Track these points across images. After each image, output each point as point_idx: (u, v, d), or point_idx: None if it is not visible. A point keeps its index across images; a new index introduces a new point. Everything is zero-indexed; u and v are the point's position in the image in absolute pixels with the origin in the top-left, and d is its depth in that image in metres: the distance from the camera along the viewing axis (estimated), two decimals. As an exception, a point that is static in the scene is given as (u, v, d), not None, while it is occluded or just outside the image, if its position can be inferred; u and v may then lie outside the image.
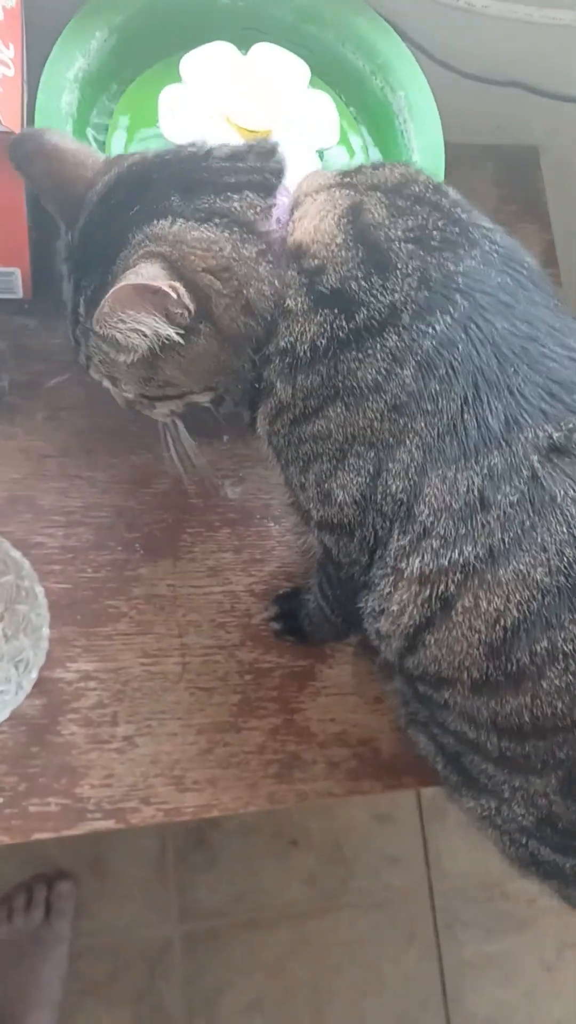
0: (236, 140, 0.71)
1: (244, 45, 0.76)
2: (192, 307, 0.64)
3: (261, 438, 0.73)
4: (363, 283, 0.62)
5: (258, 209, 0.65)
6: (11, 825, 0.80)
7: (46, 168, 0.67)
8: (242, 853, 1.59)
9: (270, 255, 0.65)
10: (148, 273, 0.61)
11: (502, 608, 0.61)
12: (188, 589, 0.89)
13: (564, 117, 1.03)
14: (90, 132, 0.76)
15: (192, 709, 0.86)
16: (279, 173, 0.67)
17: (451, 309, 0.61)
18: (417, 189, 0.67)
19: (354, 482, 0.65)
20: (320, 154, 0.73)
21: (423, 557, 0.63)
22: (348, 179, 0.68)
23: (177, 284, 0.62)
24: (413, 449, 0.62)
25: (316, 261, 0.64)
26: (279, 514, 0.93)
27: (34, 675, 0.79)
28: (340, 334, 0.63)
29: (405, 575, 0.65)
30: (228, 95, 0.70)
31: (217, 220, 0.64)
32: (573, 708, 0.62)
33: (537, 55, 0.95)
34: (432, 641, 0.65)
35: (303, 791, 0.87)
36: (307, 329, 0.64)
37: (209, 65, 0.71)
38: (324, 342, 0.63)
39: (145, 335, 0.64)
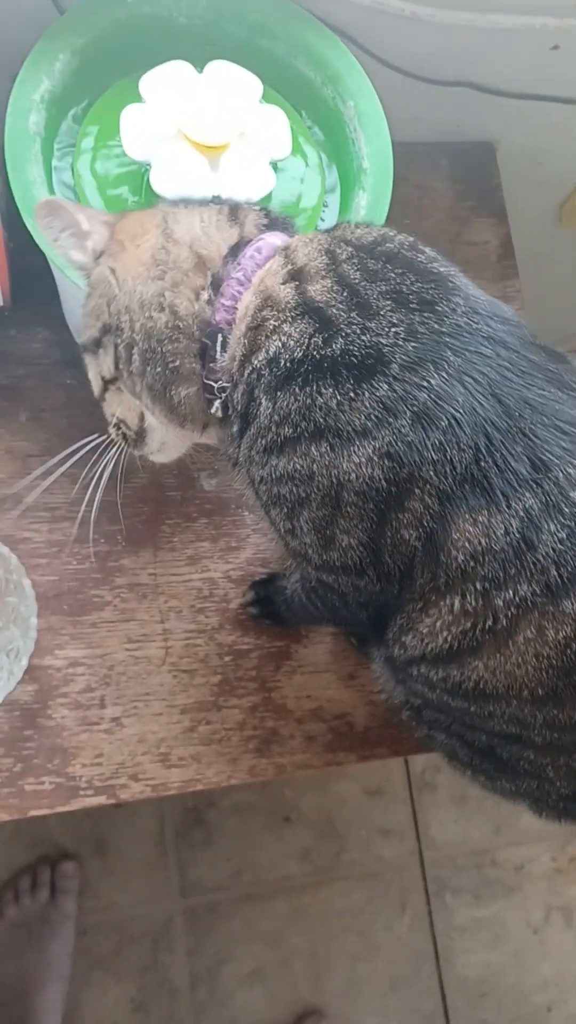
0: (193, 156, 0.75)
1: (201, 62, 0.80)
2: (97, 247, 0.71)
3: (241, 473, 0.74)
4: (343, 313, 0.63)
5: (255, 214, 0.71)
6: (8, 803, 0.85)
7: None
8: (238, 831, 1.65)
9: (256, 245, 0.68)
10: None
11: (572, 635, 0.64)
12: (169, 577, 0.94)
13: (517, 112, 1.07)
14: (56, 150, 0.81)
15: (175, 690, 0.92)
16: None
17: (444, 365, 0.62)
18: (389, 248, 0.68)
19: (358, 528, 0.66)
20: (274, 165, 0.78)
21: (465, 597, 0.65)
22: (327, 233, 0.71)
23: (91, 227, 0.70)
24: (425, 497, 0.63)
25: (306, 267, 0.66)
26: (253, 503, 0.98)
27: (24, 663, 0.84)
28: (315, 354, 0.63)
29: (441, 608, 0.67)
30: (185, 112, 0.75)
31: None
32: None
33: (484, 57, 0.99)
34: (480, 665, 0.68)
35: (282, 764, 0.92)
36: (291, 332, 0.65)
37: (167, 84, 0.75)
38: (300, 354, 0.64)
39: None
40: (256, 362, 0.67)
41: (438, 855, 1.71)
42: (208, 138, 0.74)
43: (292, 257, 0.68)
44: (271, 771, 0.92)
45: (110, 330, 0.72)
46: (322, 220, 0.83)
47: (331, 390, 0.63)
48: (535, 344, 0.68)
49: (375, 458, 0.63)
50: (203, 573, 0.95)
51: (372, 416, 0.62)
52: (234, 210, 0.71)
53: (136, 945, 1.58)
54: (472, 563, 0.64)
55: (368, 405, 0.62)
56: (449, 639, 0.68)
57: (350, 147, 0.83)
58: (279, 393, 0.65)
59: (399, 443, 0.62)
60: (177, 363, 0.70)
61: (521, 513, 0.62)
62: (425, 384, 0.62)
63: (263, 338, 0.66)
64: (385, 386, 0.62)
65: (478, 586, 0.64)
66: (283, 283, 0.67)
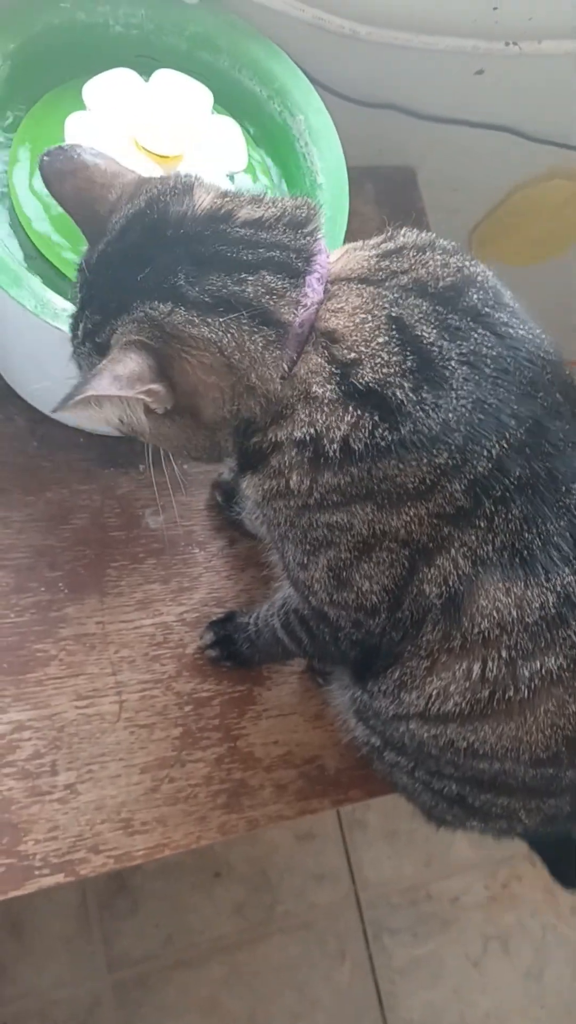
0: (147, 166, 0.70)
1: (141, 73, 0.75)
2: (171, 404, 0.60)
3: (248, 497, 0.68)
4: (411, 395, 0.58)
5: (277, 296, 0.58)
6: (-47, 893, 0.75)
7: (74, 186, 0.62)
8: (165, 893, 1.55)
9: (287, 340, 0.59)
10: (129, 371, 0.56)
11: None
12: (118, 625, 0.87)
13: (437, 137, 1.07)
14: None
15: (133, 748, 0.84)
16: (307, 254, 0.60)
17: (507, 435, 0.59)
18: (475, 299, 0.61)
19: (386, 574, 0.64)
20: (231, 178, 0.73)
21: (486, 664, 0.63)
22: (388, 264, 0.62)
23: (158, 388, 0.58)
24: (459, 559, 0.61)
25: (352, 354, 0.59)
26: (203, 539, 0.92)
27: (-32, 731, 0.75)
28: (381, 443, 0.58)
29: (455, 672, 0.64)
30: (135, 121, 0.69)
31: (223, 310, 0.57)
32: None
33: (412, 79, 0.99)
34: (487, 730, 0.66)
35: (253, 818, 0.85)
36: (337, 425, 0.59)
37: (113, 91, 0.70)
38: (361, 447, 0.58)
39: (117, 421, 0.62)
40: (276, 435, 0.62)
41: (373, 895, 1.67)
42: (163, 148, 0.69)
43: (338, 355, 0.60)
44: (242, 827, 0.85)
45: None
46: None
47: (393, 462, 0.59)
48: None
49: (425, 518, 0.60)
50: (155, 618, 0.88)
51: (428, 481, 0.59)
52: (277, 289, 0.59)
53: (62, 1032, 1.45)
54: (498, 631, 0.62)
55: (426, 471, 0.59)
56: (461, 704, 0.66)
57: (300, 162, 0.80)
58: (325, 472, 0.61)
59: (449, 507, 0.60)
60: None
61: (559, 589, 0.61)
62: (485, 454, 0.59)
63: (286, 421, 0.61)
64: (445, 455, 0.59)
65: (503, 654, 0.63)
66: (327, 382, 0.60)
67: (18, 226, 0.72)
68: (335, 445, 0.59)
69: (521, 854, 1.73)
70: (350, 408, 0.59)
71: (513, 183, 1.20)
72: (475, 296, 0.61)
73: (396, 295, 0.60)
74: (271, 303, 0.58)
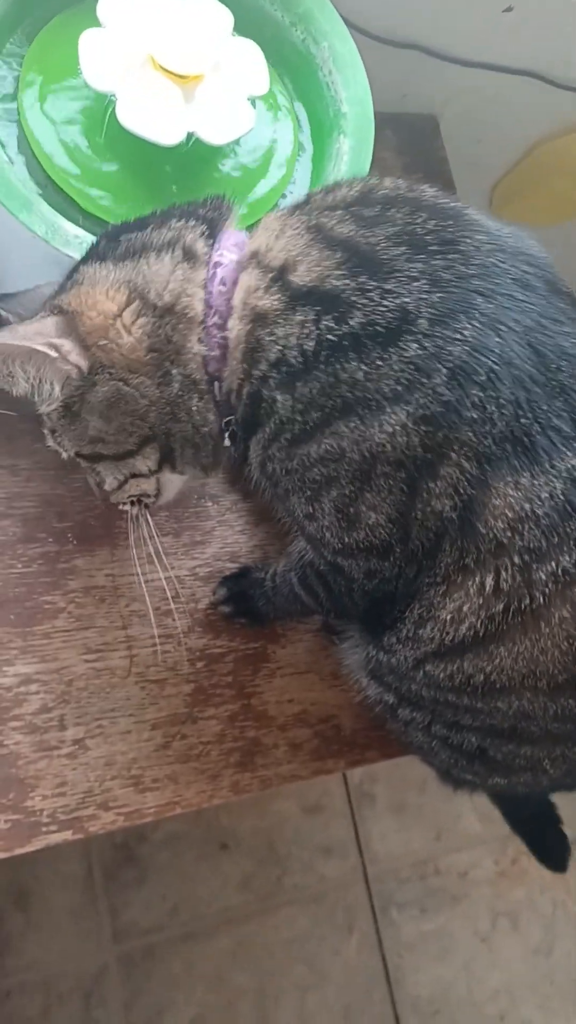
0: (164, 84, 0.66)
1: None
2: (84, 364, 0.62)
3: (252, 468, 0.67)
4: (349, 282, 0.57)
5: (195, 235, 0.63)
6: (-43, 849, 0.72)
7: None
8: (172, 864, 1.53)
9: (213, 272, 0.62)
10: (32, 330, 0.61)
11: None
12: (129, 577, 0.84)
13: (461, 83, 1.03)
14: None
15: (144, 704, 0.81)
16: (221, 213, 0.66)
17: (476, 314, 0.56)
18: (384, 192, 0.62)
19: (387, 501, 0.60)
20: (252, 102, 0.70)
21: (499, 574, 0.59)
22: (298, 210, 0.64)
23: (60, 342, 0.61)
24: (463, 461, 0.57)
25: (279, 259, 0.60)
26: (216, 493, 0.89)
27: (-27, 681, 0.72)
28: (331, 337, 0.57)
29: (469, 589, 0.61)
30: (153, 39, 0.66)
31: (133, 254, 0.62)
32: None
33: (438, 15, 0.95)
34: (503, 652, 0.62)
35: (267, 777, 0.83)
36: (289, 332, 0.59)
37: (130, 8, 0.66)
38: (312, 345, 0.58)
39: (25, 383, 0.63)
40: (257, 373, 0.61)
41: (381, 869, 1.64)
42: (183, 67, 0.65)
43: (266, 261, 0.62)
44: (256, 785, 0.82)
45: (153, 438, 0.66)
46: (297, 165, 0.75)
47: (355, 363, 0.57)
48: (561, 290, 0.62)
49: (409, 424, 0.57)
50: (167, 571, 0.85)
51: (403, 379, 0.56)
52: (174, 244, 0.63)
53: (66, 1004, 1.43)
54: (510, 533, 0.58)
55: (397, 369, 0.56)
56: (476, 625, 0.62)
57: (324, 92, 0.76)
58: (297, 383, 0.59)
59: (434, 404, 0.56)
60: (207, 428, 0.66)
61: (564, 474, 0.57)
62: (458, 337, 0.56)
63: (260, 352, 0.61)
64: (415, 345, 0.56)
65: (516, 560, 0.59)
66: (268, 293, 0.61)
67: (28, 150, 0.68)
68: (294, 352, 0.59)
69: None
70: (297, 309, 0.59)
71: (538, 135, 1.16)
72: (386, 188, 0.63)
73: (311, 217, 0.62)
74: (191, 239, 0.63)
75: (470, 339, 0.56)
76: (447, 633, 0.63)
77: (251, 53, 0.70)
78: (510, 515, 0.57)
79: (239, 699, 0.84)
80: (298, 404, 0.59)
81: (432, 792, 1.64)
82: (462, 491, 0.58)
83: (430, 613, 0.64)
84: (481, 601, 0.61)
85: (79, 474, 0.84)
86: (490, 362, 0.56)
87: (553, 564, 0.58)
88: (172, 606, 0.84)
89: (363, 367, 0.56)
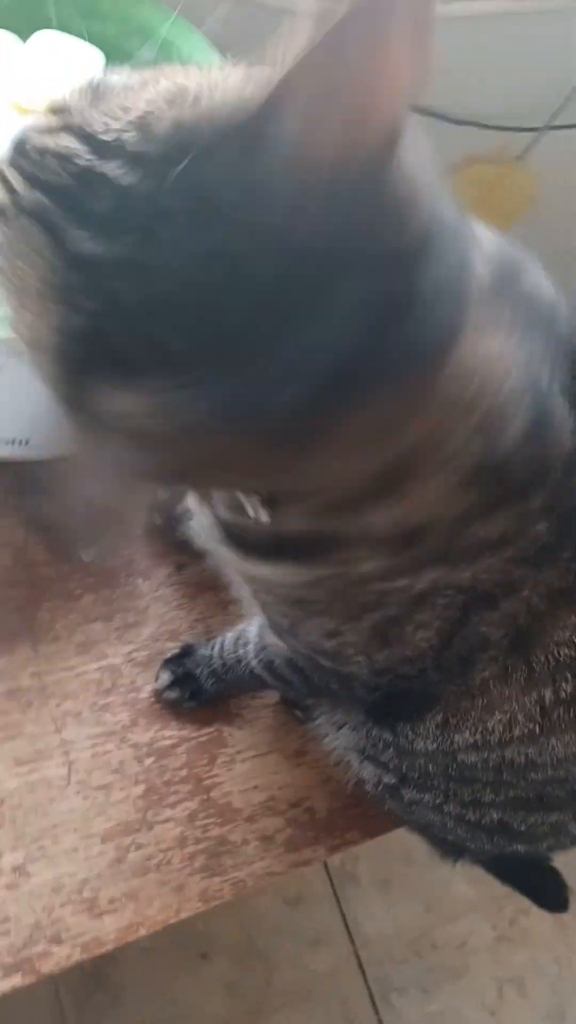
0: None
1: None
2: None
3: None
4: (525, 450, 0.46)
5: None
6: None
7: None
8: (148, 981, 1.39)
9: None
10: None
11: None
12: (58, 674, 0.75)
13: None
14: None
15: (89, 815, 0.72)
16: None
17: None
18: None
19: (440, 617, 0.52)
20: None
21: (559, 686, 0.53)
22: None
23: None
24: (534, 597, 0.50)
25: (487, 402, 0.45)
26: (146, 568, 0.81)
27: None
28: (484, 507, 0.47)
29: (524, 703, 0.54)
30: (13, 82, 0.61)
31: None
32: None
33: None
34: (553, 741, 0.56)
35: (239, 879, 0.74)
36: (456, 506, 0.47)
37: (-9, 56, 0.61)
38: (465, 518, 0.47)
39: None
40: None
41: (375, 953, 1.53)
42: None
43: None
44: (228, 891, 0.73)
45: None
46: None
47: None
48: None
49: (498, 563, 0.49)
50: (100, 661, 0.77)
51: (511, 530, 0.48)
52: None
53: None
54: (573, 653, 0.52)
55: (511, 518, 0.48)
56: (532, 727, 0.56)
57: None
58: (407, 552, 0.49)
59: (531, 548, 0.49)
60: None
61: None
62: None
63: None
64: (539, 498, 0.47)
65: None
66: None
67: None
68: (444, 526, 0.47)
69: (524, 886, 1.62)
70: (476, 485, 0.46)
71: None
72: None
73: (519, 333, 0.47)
74: None
75: None
76: (492, 736, 0.57)
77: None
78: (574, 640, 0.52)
79: (197, 794, 0.75)
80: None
81: (418, 862, 1.55)
82: (521, 622, 0.51)
83: (467, 723, 0.58)
84: (539, 710, 0.55)
85: (-10, 566, 0.77)
86: None
87: None
88: (110, 699, 0.76)
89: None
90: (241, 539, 0.52)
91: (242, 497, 0.48)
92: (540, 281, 0.48)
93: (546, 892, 0.86)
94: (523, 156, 1.15)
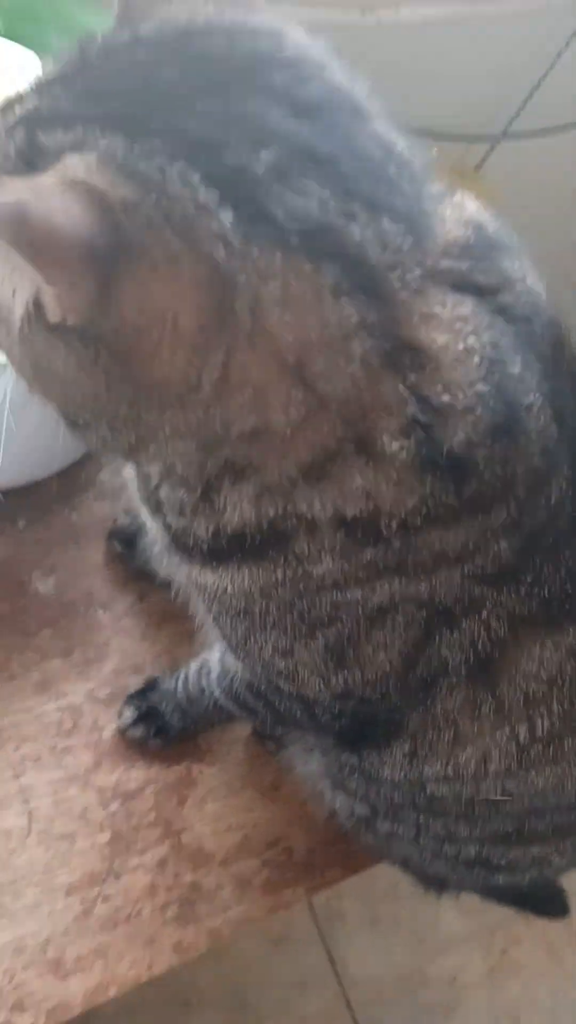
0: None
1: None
2: (89, 317, 0.37)
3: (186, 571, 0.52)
4: (485, 450, 0.42)
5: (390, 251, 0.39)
6: None
7: None
8: (129, 1035, 1.33)
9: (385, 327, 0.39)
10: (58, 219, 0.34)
11: None
12: (14, 716, 0.71)
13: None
14: None
15: (52, 867, 0.67)
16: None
17: (565, 471, 0.46)
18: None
19: (402, 638, 0.49)
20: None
21: (535, 723, 0.51)
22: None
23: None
24: (492, 620, 0.47)
25: (445, 398, 0.41)
26: (107, 599, 0.77)
27: None
28: (440, 511, 0.43)
29: (497, 737, 0.52)
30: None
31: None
32: None
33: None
34: (533, 774, 0.54)
35: (214, 928, 0.69)
36: (403, 501, 0.42)
37: None
38: (419, 522, 0.43)
39: None
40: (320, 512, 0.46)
41: (365, 994, 1.48)
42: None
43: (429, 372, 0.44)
44: (204, 941, 0.68)
45: None
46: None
47: (440, 532, 0.45)
48: None
49: (457, 578, 0.46)
50: (59, 700, 0.73)
51: (470, 543, 0.45)
52: None
53: None
54: (546, 688, 0.50)
55: (472, 532, 0.45)
56: (509, 763, 0.53)
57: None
58: (367, 551, 0.45)
59: (490, 566, 0.46)
60: None
61: None
62: (543, 502, 0.46)
63: None
64: (504, 513, 0.45)
65: (555, 709, 0.51)
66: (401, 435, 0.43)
67: None
68: (394, 523, 0.43)
69: (515, 914, 1.58)
70: (427, 481, 0.42)
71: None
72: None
73: (491, 312, 0.43)
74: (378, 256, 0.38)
75: (552, 505, 0.46)
76: (466, 770, 0.54)
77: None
78: (545, 676, 0.50)
79: (167, 839, 0.70)
80: (346, 571, 0.47)
81: (404, 896, 1.49)
82: (480, 648, 0.49)
83: (436, 756, 0.55)
84: (515, 747, 0.52)
85: None
86: (557, 526, 0.47)
87: None
88: (71, 741, 0.71)
89: (444, 532, 0.45)
90: (186, 544, 0.49)
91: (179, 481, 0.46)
92: (526, 272, 0.45)
93: (539, 898, 0.83)
94: (481, 166, 1.13)
